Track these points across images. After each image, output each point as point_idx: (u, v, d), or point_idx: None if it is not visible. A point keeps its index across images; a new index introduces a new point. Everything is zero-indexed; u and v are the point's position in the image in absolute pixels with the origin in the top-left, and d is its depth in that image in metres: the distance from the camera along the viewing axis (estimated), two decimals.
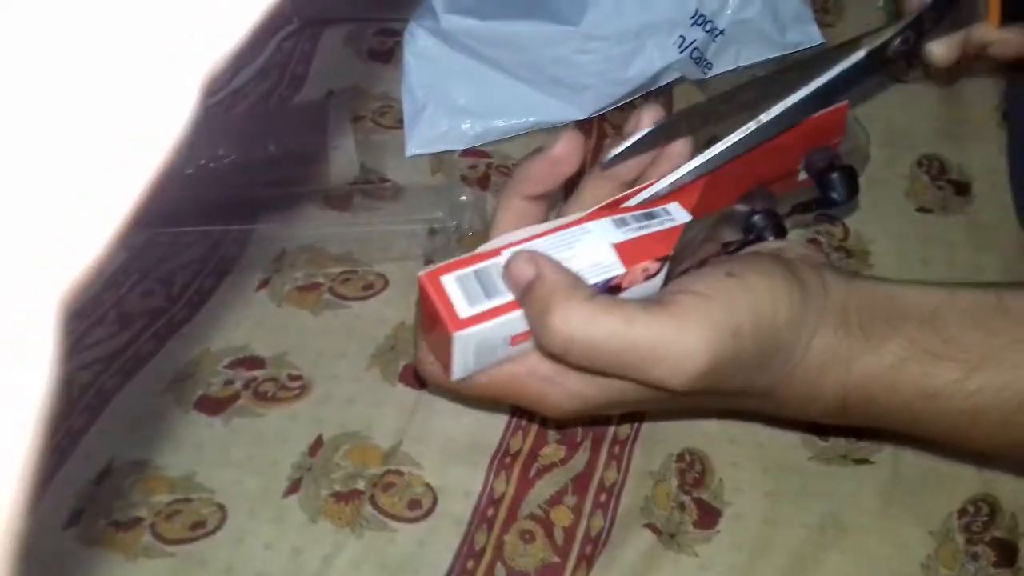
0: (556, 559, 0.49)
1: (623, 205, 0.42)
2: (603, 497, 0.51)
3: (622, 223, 0.42)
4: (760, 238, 0.45)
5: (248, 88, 0.73)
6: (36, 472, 0.15)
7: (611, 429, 0.54)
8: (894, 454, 0.53)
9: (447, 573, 0.49)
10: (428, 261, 0.60)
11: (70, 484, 0.51)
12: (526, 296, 0.38)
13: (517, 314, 0.39)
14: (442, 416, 0.54)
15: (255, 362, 0.57)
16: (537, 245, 0.41)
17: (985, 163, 0.67)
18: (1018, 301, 0.41)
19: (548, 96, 0.69)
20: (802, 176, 0.47)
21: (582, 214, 0.42)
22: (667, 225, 0.42)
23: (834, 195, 0.45)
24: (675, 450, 0.53)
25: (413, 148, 0.68)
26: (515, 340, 0.40)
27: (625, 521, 0.50)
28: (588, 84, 0.68)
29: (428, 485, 0.51)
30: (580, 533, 0.50)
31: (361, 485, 0.51)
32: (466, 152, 0.69)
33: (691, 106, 0.45)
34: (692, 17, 0.68)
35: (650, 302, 0.38)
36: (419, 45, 0.69)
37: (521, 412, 0.54)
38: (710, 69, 0.71)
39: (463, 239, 0.61)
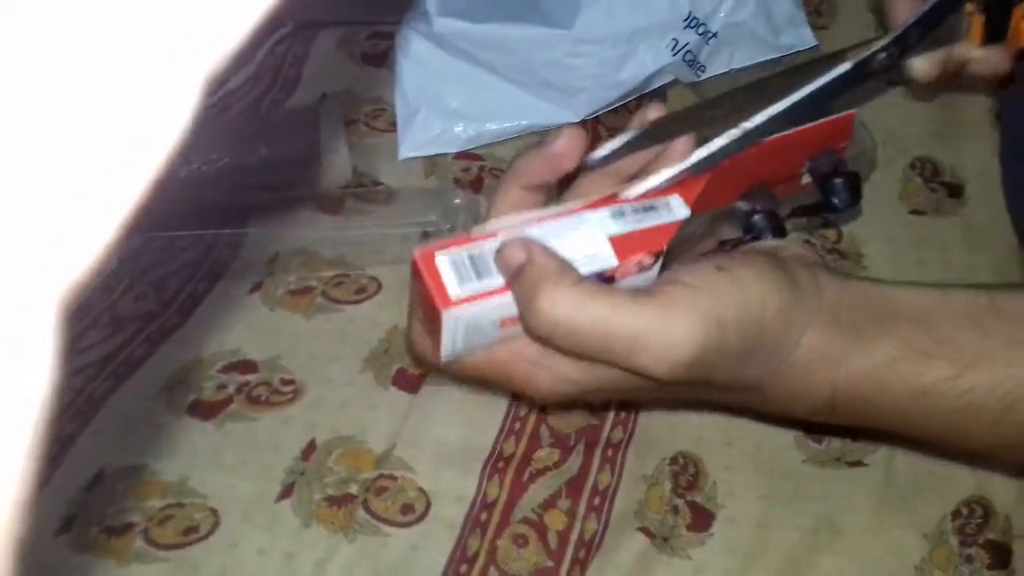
0: (550, 563, 0.49)
1: (622, 196, 0.43)
2: (597, 501, 0.51)
3: (620, 214, 0.42)
4: (758, 238, 0.45)
5: (241, 92, 0.73)
6: (35, 473, 0.14)
7: (604, 433, 0.54)
8: (888, 457, 0.53)
9: None
10: None
11: (62, 490, 0.51)
12: (516, 279, 0.39)
13: (507, 297, 0.39)
14: (435, 420, 0.54)
15: (248, 366, 0.57)
16: (533, 231, 0.41)
17: (978, 165, 0.67)
18: (1011, 302, 0.41)
19: (541, 99, 0.69)
20: (806, 179, 0.47)
21: (582, 202, 0.42)
22: (665, 219, 0.42)
23: (835, 201, 0.46)
24: (668, 453, 0.53)
25: (406, 151, 0.68)
26: (504, 323, 0.41)
27: (619, 525, 0.50)
28: (581, 87, 0.68)
29: (421, 489, 0.51)
30: (574, 537, 0.50)
31: (354, 489, 0.51)
32: (459, 155, 0.69)
33: (675, 111, 0.45)
34: (685, 20, 0.68)
35: (638, 291, 0.39)
36: (412, 48, 0.69)
37: (515, 416, 0.54)
38: (703, 72, 0.71)
39: None
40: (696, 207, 0.42)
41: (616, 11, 0.67)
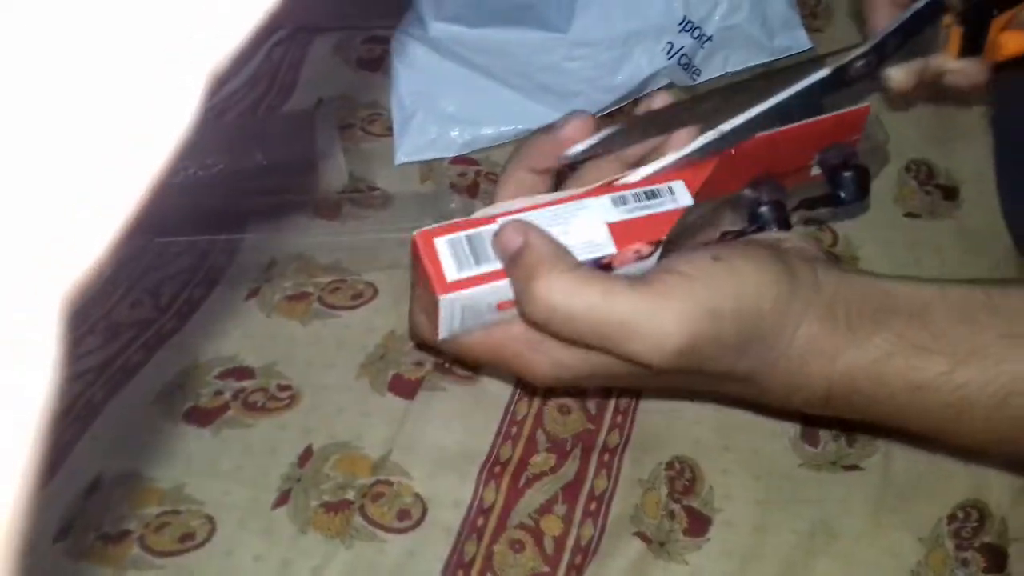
0: (546, 569, 0.49)
1: (623, 182, 0.43)
2: (593, 506, 0.51)
3: (621, 201, 0.42)
4: (762, 229, 0.45)
5: (238, 96, 0.73)
6: (37, 473, 0.15)
7: (601, 437, 0.54)
8: (884, 460, 0.53)
9: None
10: None
11: (59, 497, 0.51)
12: (513, 264, 0.39)
13: (504, 282, 0.40)
14: (432, 425, 0.54)
15: (244, 372, 0.57)
16: (533, 216, 0.41)
17: (973, 167, 0.67)
18: (1006, 298, 0.41)
19: (537, 103, 0.69)
20: (815, 171, 0.47)
21: (582, 189, 0.42)
22: (667, 207, 0.42)
23: (842, 194, 0.46)
24: (665, 458, 0.53)
25: (402, 156, 0.68)
26: (502, 306, 0.41)
27: (615, 530, 0.50)
28: (577, 91, 0.68)
29: (418, 495, 0.51)
30: (570, 542, 0.50)
31: (351, 495, 0.51)
32: (455, 160, 0.69)
33: (651, 111, 0.46)
34: (680, 23, 0.68)
35: (634, 278, 0.39)
36: (408, 53, 0.69)
37: (512, 421, 0.54)
38: (698, 75, 0.71)
39: None
40: (701, 194, 0.43)
41: (611, 15, 0.67)
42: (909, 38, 0.46)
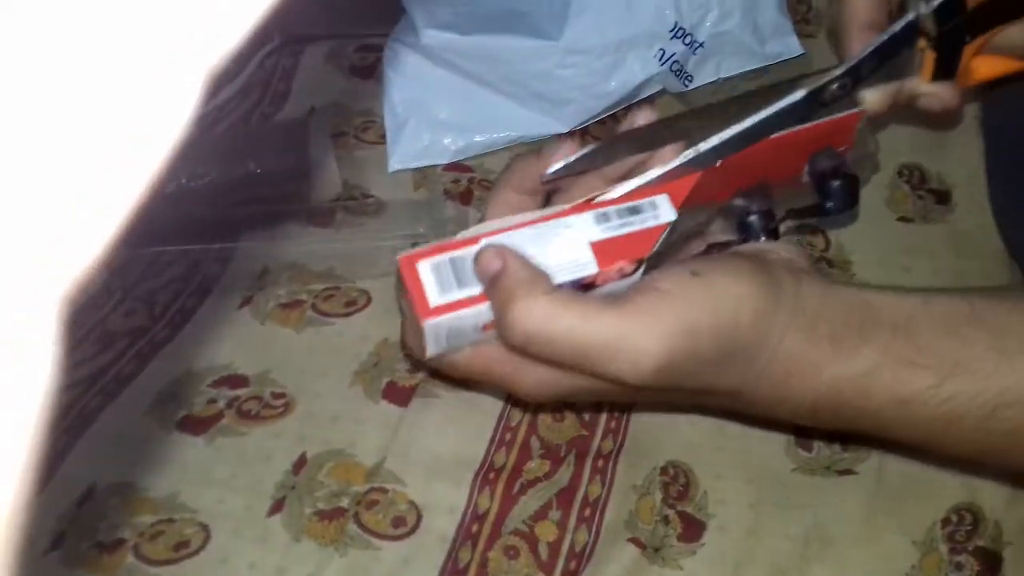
0: (541, 575, 0.49)
1: (607, 197, 0.43)
2: (587, 512, 0.51)
3: (604, 218, 0.42)
4: (751, 239, 0.45)
5: (231, 106, 0.73)
6: (36, 474, 0.15)
7: (595, 443, 0.54)
8: (877, 465, 0.53)
9: None
10: None
11: (53, 506, 0.51)
12: (491, 288, 0.39)
13: (487, 305, 0.40)
14: (426, 432, 0.54)
15: (238, 380, 0.57)
16: (516, 236, 0.41)
17: (965, 171, 0.67)
18: (991, 309, 0.41)
19: (530, 110, 0.69)
20: (806, 178, 0.47)
21: (567, 206, 0.42)
22: (650, 223, 0.42)
23: (829, 204, 0.46)
24: (659, 463, 0.53)
25: (395, 163, 0.68)
26: (487, 327, 0.41)
27: (609, 536, 0.50)
28: (570, 98, 0.68)
29: (412, 502, 0.51)
30: (565, 548, 0.50)
31: (345, 503, 0.51)
32: (448, 167, 0.69)
33: (633, 129, 0.46)
34: (672, 30, 0.68)
35: (610, 298, 0.39)
36: (400, 61, 0.69)
37: (506, 427, 0.54)
38: (691, 81, 0.71)
39: None
40: (687, 206, 0.43)
41: (604, 22, 0.67)
42: (884, 61, 0.46)
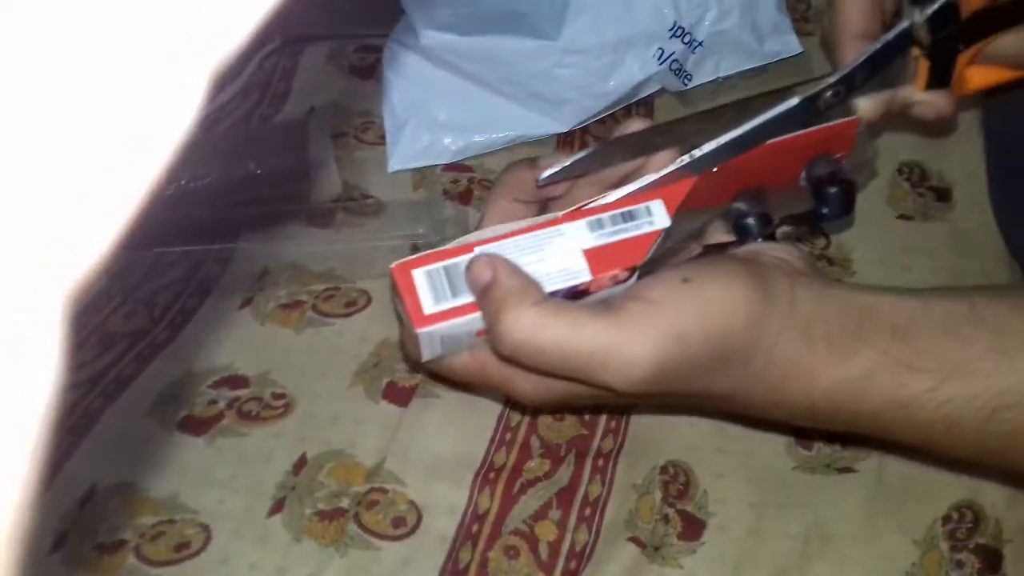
0: (541, 575, 0.49)
1: (603, 202, 0.43)
2: (587, 511, 0.51)
3: (598, 225, 0.42)
4: (748, 241, 0.45)
5: (230, 107, 0.73)
6: (39, 475, 0.15)
7: (595, 442, 0.54)
8: (878, 463, 0.53)
9: None
10: None
11: (55, 508, 0.51)
12: (483, 298, 0.40)
13: (480, 313, 0.40)
14: (426, 432, 0.54)
15: (239, 381, 0.57)
16: (509, 245, 0.41)
17: (965, 169, 0.67)
18: (990, 309, 0.41)
19: (529, 110, 0.69)
20: (804, 183, 0.47)
21: (561, 213, 0.42)
22: (644, 230, 0.42)
23: (825, 211, 0.46)
24: (659, 462, 0.53)
25: (395, 164, 0.69)
26: (481, 333, 0.41)
27: (609, 535, 0.50)
28: (568, 98, 0.68)
29: (412, 502, 0.51)
30: (565, 548, 0.50)
31: (345, 503, 0.51)
32: (448, 167, 0.69)
33: (628, 135, 0.46)
34: (670, 29, 0.68)
35: (600, 307, 0.39)
36: (400, 61, 0.69)
37: (506, 427, 0.54)
38: (690, 80, 0.71)
39: None
40: (683, 210, 0.43)
41: (602, 22, 0.67)
42: (878, 70, 0.47)
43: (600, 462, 0.53)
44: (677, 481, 0.52)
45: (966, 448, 0.42)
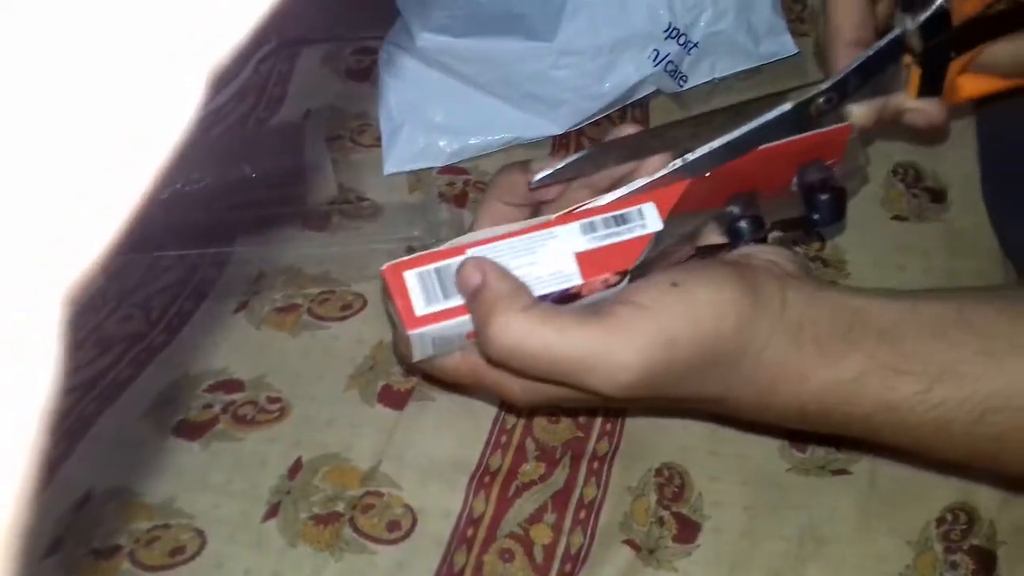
0: None
1: (595, 205, 0.43)
2: (583, 514, 0.51)
3: (590, 228, 0.42)
4: (740, 244, 0.45)
5: (226, 110, 0.73)
6: (37, 475, 0.15)
7: (590, 445, 0.54)
8: (872, 465, 0.53)
9: None
10: None
11: (50, 512, 0.51)
12: (471, 302, 0.40)
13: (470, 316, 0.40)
14: (421, 436, 0.54)
15: (234, 385, 0.57)
16: (501, 247, 0.41)
17: (960, 170, 0.67)
18: (979, 312, 0.41)
19: (524, 112, 0.69)
20: (795, 188, 0.47)
21: (553, 216, 0.43)
22: (636, 233, 0.42)
23: (816, 217, 0.46)
24: (654, 465, 0.53)
25: (391, 166, 0.69)
26: (472, 335, 0.41)
27: (604, 538, 0.50)
28: (564, 99, 0.68)
29: (407, 506, 0.52)
30: (560, 551, 0.50)
31: (340, 507, 0.51)
32: (444, 169, 0.69)
33: (620, 138, 0.46)
34: (666, 31, 0.68)
35: (588, 312, 0.39)
36: (395, 64, 0.69)
37: (502, 430, 0.54)
38: (685, 81, 0.71)
39: None
40: (675, 214, 0.43)
41: (597, 23, 0.67)
42: (870, 77, 0.47)
43: (595, 465, 0.53)
44: (672, 484, 0.53)
45: (956, 451, 0.42)
